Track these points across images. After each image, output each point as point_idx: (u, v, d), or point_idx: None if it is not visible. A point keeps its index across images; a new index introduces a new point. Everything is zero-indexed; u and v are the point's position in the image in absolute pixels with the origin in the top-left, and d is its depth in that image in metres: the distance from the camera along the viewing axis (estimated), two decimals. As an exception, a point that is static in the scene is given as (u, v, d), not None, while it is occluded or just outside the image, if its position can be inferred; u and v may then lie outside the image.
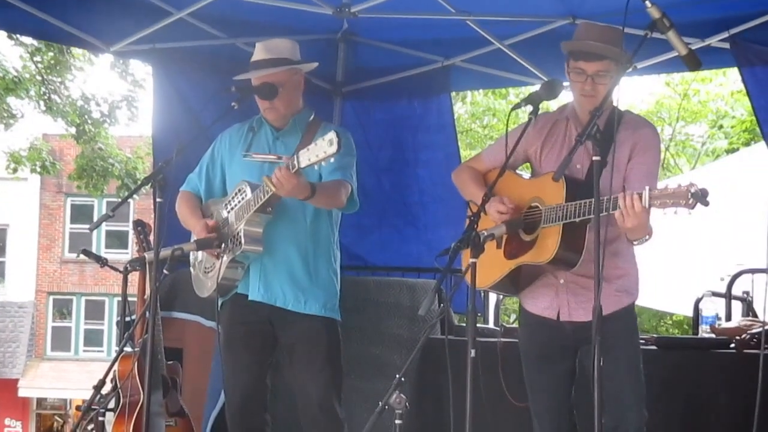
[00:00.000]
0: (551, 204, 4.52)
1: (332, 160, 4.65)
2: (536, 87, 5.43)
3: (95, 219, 25.17)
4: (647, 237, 4.40)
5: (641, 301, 5.05)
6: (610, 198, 4.23)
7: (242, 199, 5.16)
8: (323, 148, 4.59)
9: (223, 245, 5.20)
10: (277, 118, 5.39)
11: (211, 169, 5.52)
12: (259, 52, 5.38)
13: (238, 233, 5.15)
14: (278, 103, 5.32)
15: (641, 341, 5.71)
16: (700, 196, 3.99)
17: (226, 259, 5.20)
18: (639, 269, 4.82)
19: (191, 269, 5.63)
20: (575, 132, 4.67)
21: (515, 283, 4.80)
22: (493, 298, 7.99)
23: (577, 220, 4.38)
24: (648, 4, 4.34)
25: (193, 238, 5.32)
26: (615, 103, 4.55)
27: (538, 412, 4.87)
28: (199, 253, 5.46)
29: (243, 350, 5.37)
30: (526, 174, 5.02)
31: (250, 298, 5.30)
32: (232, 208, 5.23)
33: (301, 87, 5.45)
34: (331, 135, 4.55)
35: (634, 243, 4.48)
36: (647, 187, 4.15)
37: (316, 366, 5.28)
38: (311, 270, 5.30)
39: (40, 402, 32.55)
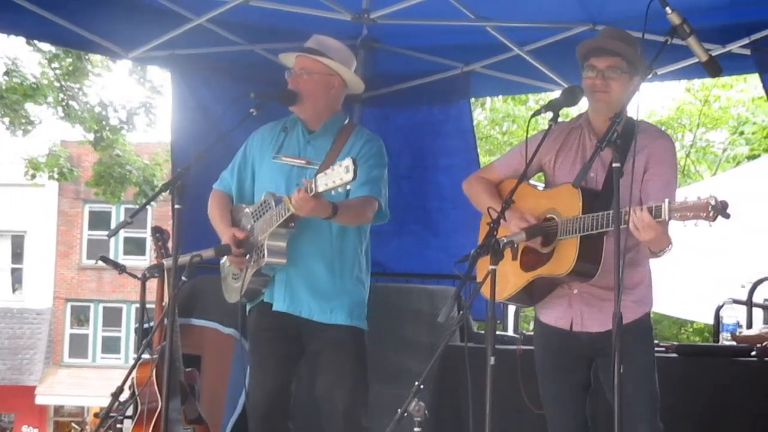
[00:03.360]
0: (567, 215, 4.49)
1: (349, 186, 4.61)
2: (556, 93, 5.42)
3: (113, 225, 25.38)
4: (669, 247, 4.37)
5: (661, 309, 5.03)
6: (629, 209, 4.20)
7: (266, 211, 5.11)
8: (340, 174, 4.51)
9: (248, 256, 5.18)
10: (308, 118, 5.35)
11: (243, 168, 5.47)
12: (309, 42, 5.38)
13: (261, 246, 5.12)
14: (305, 103, 5.27)
15: (662, 348, 5.70)
16: (721, 209, 3.97)
17: (250, 270, 5.18)
18: (659, 277, 4.80)
19: (221, 273, 5.58)
20: (590, 141, 4.67)
21: (531, 294, 4.77)
22: (512, 305, 7.96)
23: (594, 232, 4.36)
24: (668, 10, 4.33)
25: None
26: (636, 110, 4.51)
27: (554, 424, 4.84)
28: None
29: (269, 356, 5.32)
30: (540, 185, 4.99)
31: (274, 308, 5.25)
32: (256, 220, 5.20)
33: (332, 90, 5.38)
34: (348, 162, 4.47)
35: (658, 255, 4.43)
36: (666, 200, 4.13)
37: (342, 374, 5.22)
38: (337, 280, 5.24)
39: (58, 409, 32.66)
